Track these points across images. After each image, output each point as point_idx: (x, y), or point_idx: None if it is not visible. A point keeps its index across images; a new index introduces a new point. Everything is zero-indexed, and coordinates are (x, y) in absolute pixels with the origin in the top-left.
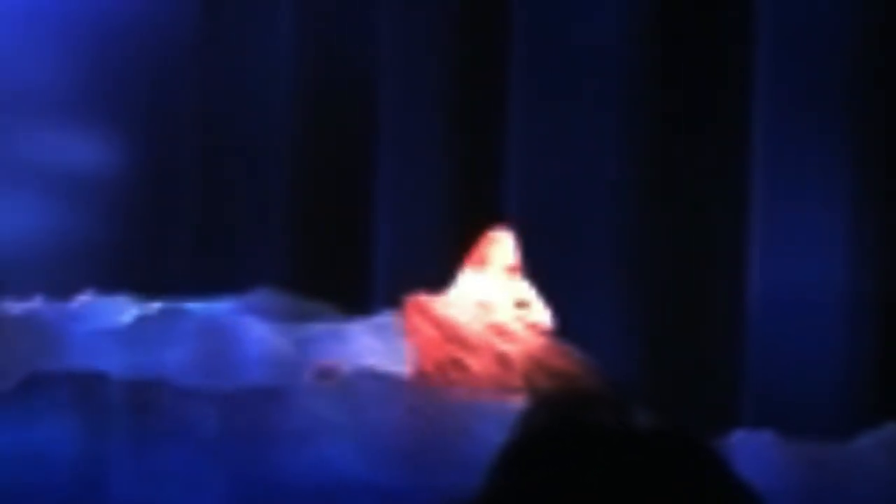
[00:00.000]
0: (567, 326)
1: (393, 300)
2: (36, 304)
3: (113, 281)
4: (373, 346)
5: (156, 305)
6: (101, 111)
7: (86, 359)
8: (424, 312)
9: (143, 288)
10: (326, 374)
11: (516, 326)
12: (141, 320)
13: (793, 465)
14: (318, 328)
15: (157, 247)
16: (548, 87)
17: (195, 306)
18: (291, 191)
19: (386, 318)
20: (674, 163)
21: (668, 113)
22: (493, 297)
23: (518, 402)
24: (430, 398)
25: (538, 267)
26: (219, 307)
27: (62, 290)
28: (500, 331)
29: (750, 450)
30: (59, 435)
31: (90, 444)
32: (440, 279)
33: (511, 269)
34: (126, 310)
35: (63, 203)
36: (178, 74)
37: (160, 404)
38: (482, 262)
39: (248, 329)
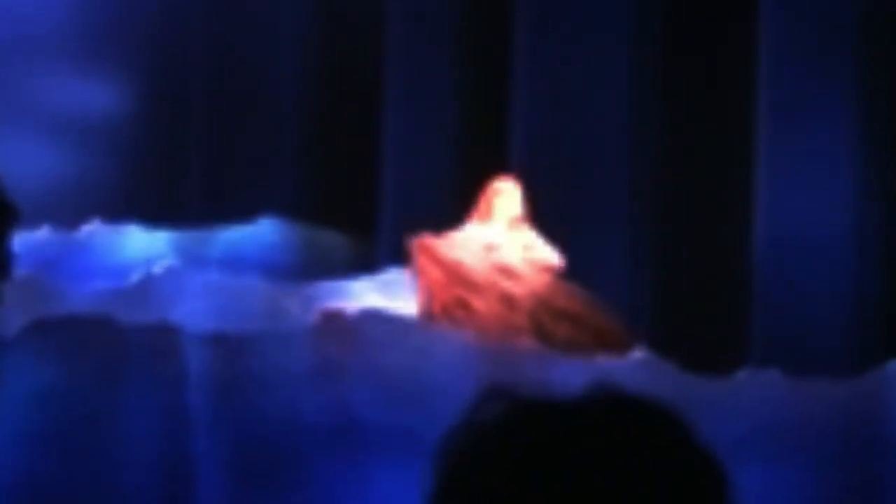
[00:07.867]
0: (574, 267)
1: (399, 233)
2: (44, 233)
3: (123, 212)
4: (379, 304)
5: (163, 235)
6: (111, 48)
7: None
8: (431, 253)
9: (153, 218)
10: (332, 316)
11: (522, 267)
12: (146, 279)
13: (800, 403)
14: (323, 286)
15: (168, 178)
16: (554, 29)
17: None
18: (301, 125)
19: (393, 275)
20: (681, 101)
21: (675, 51)
22: (499, 241)
23: (523, 341)
24: (436, 339)
25: (545, 208)
26: (228, 236)
27: (73, 222)
28: (506, 271)
29: (757, 387)
30: (65, 380)
31: (97, 388)
32: (447, 223)
33: (517, 221)
34: (134, 238)
35: (74, 138)
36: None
37: (170, 349)
38: (488, 214)
39: (255, 288)
